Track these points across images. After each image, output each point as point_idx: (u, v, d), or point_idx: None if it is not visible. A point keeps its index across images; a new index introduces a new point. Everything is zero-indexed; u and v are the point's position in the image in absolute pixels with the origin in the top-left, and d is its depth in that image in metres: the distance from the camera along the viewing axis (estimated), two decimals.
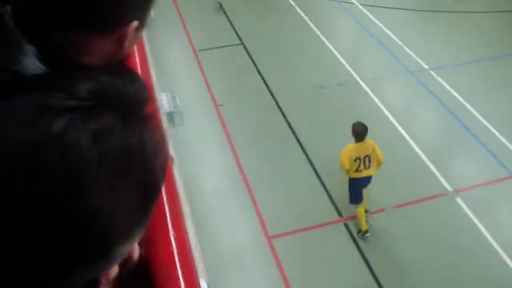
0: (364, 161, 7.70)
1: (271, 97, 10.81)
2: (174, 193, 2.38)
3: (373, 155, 7.81)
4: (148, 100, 0.97)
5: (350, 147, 7.79)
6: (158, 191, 0.93)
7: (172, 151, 5.93)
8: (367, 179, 7.96)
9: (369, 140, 7.87)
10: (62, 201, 0.74)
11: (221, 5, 14.91)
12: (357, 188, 8.01)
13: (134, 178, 0.83)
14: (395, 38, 13.37)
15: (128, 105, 0.88)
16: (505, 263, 7.79)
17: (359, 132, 7.73)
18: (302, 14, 14.30)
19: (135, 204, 0.84)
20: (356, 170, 7.76)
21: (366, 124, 8.97)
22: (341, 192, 8.70)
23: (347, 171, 7.81)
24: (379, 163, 7.93)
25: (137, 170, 0.83)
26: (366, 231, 7.99)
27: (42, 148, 0.75)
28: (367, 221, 8.05)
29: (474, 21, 14.97)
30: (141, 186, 0.84)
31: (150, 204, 0.90)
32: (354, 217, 8.28)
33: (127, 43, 1.37)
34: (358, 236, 8.09)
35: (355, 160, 7.69)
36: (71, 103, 0.80)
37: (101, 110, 0.82)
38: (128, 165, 0.82)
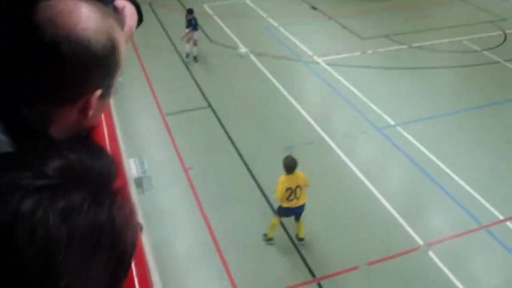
0: (295, 191, 8.30)
1: (240, 159, 11.01)
2: (143, 263, 2.44)
3: (303, 186, 8.44)
4: (117, 174, 1.00)
5: (282, 179, 8.36)
6: (129, 264, 0.95)
7: (140, 218, 6.00)
8: (299, 209, 8.59)
9: (298, 172, 8.42)
10: (32, 280, 0.76)
11: (195, 58, 15.43)
12: (288, 214, 8.73)
13: (104, 253, 0.86)
14: (361, 96, 13.85)
15: (96, 182, 0.91)
16: None
17: (289, 165, 8.35)
18: (270, 76, 14.75)
19: (105, 279, 0.87)
20: (288, 199, 8.37)
21: (334, 181, 9.44)
22: (313, 252, 8.83)
23: (281, 201, 8.48)
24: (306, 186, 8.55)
25: (107, 245, 0.86)
26: (270, 239, 8.86)
27: (11, 228, 0.77)
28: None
29: (437, 77, 15.62)
30: (111, 260, 0.88)
31: (121, 277, 0.92)
32: (328, 277, 8.37)
33: (91, 112, 1.40)
34: (262, 238, 8.90)
35: (286, 190, 8.25)
36: (39, 183, 0.83)
37: (69, 188, 0.85)
38: (97, 241, 0.85)
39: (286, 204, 8.46)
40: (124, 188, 1.01)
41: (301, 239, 8.93)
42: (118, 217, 0.89)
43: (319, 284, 8.26)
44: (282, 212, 8.71)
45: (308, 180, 8.58)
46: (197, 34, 15.32)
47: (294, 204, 8.45)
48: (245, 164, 10.88)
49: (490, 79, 15.51)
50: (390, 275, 8.57)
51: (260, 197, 9.75)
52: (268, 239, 8.92)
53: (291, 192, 8.34)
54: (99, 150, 1.03)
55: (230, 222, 9.34)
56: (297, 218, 8.80)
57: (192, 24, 15.10)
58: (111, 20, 1.40)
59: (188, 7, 15.84)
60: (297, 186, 8.37)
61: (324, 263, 8.64)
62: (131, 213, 0.95)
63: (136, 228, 0.97)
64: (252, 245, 8.95)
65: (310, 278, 8.34)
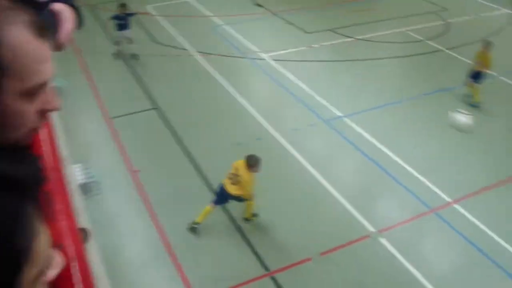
0: (234, 176, 8.86)
1: (188, 159, 11.05)
2: (87, 273, 2.40)
3: (242, 181, 8.78)
4: (41, 180, 1.00)
5: (241, 161, 8.89)
6: (20, 274, 0.93)
7: (88, 223, 5.95)
8: (228, 194, 8.95)
9: (249, 174, 8.76)
10: None
11: (135, 56, 15.55)
12: (219, 193, 9.10)
13: None
14: (308, 90, 14.10)
15: (9, 187, 0.91)
16: None
17: (246, 161, 8.80)
18: (216, 74, 14.83)
19: None
20: (227, 176, 8.98)
21: (285, 174, 9.79)
22: (267, 245, 8.97)
23: None
24: (242, 188, 8.91)
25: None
26: (196, 223, 9.16)
27: None
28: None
29: (383, 67, 16.01)
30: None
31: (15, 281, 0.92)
32: (282, 269, 8.50)
33: None
34: (188, 226, 9.22)
35: (233, 168, 8.95)
36: None
37: None
38: None
39: (225, 178, 9.01)
40: (45, 194, 1.01)
41: (245, 219, 9.46)
42: (18, 223, 0.89)
43: (273, 277, 8.39)
44: (218, 189, 9.13)
45: (250, 188, 8.88)
46: (129, 33, 15.41)
47: (225, 183, 8.94)
48: (194, 163, 10.93)
49: (433, 67, 16.02)
50: (344, 263, 8.77)
51: (210, 195, 9.79)
52: (194, 223, 9.18)
53: (233, 174, 8.84)
54: (25, 156, 1.03)
55: (180, 222, 9.36)
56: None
57: (131, 15, 15.23)
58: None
59: (130, 8, 15.71)
60: (239, 176, 8.76)
61: (278, 256, 8.77)
62: (38, 219, 0.94)
63: (35, 236, 0.94)
64: (205, 244, 9.01)
65: (264, 271, 8.46)
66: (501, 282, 8.59)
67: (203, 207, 9.26)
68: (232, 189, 8.87)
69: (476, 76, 13.84)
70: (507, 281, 8.58)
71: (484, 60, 13.68)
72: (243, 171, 8.75)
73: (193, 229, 9.19)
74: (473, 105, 13.84)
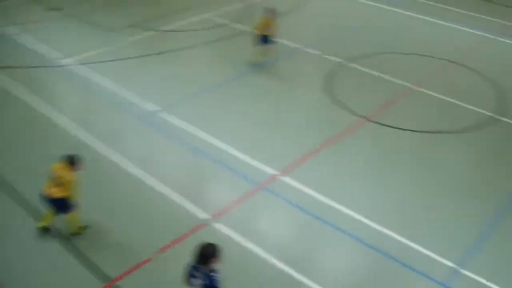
0: (55, 178, 8.69)
1: (2, 189, 10.47)
2: None
3: (65, 182, 8.64)
4: None
5: (59, 164, 8.76)
6: None
7: None
8: (51, 200, 8.78)
9: (71, 173, 8.67)
10: None
11: None
12: (45, 202, 8.92)
13: None
14: (118, 89, 14.19)
15: None
16: (289, 275, 8.74)
17: (66, 161, 8.73)
18: (17, 88, 14.17)
19: None
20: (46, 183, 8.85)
21: (107, 179, 10.22)
22: (103, 255, 8.91)
23: None
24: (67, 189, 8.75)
25: None
26: (45, 226, 9.24)
27: None
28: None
29: (193, 55, 16.53)
30: None
31: None
32: (124, 275, 8.49)
33: None
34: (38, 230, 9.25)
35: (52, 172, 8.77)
36: None
37: None
38: None
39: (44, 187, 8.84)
40: None
41: (73, 234, 9.27)
42: None
43: (117, 285, 8.35)
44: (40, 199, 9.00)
45: (75, 187, 8.74)
46: None
47: (44, 189, 8.78)
48: (10, 190, 10.41)
49: (241, 50, 16.78)
50: (186, 256, 8.96)
51: (35, 222, 9.43)
52: (42, 227, 9.20)
53: (53, 178, 8.69)
54: None
55: (6, 259, 8.78)
56: (56, 212, 9.02)
57: None
58: None
59: None
60: (61, 177, 8.61)
61: (117, 263, 8.70)
62: None
63: None
64: (36, 275, 8.55)
65: (106, 281, 8.39)
66: (334, 238, 9.44)
67: (28, 237, 8.96)
68: (54, 192, 8.64)
69: (265, 40, 15.33)
70: (340, 236, 9.44)
71: (269, 26, 15.17)
72: (64, 173, 8.59)
73: (45, 231, 9.15)
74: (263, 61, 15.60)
